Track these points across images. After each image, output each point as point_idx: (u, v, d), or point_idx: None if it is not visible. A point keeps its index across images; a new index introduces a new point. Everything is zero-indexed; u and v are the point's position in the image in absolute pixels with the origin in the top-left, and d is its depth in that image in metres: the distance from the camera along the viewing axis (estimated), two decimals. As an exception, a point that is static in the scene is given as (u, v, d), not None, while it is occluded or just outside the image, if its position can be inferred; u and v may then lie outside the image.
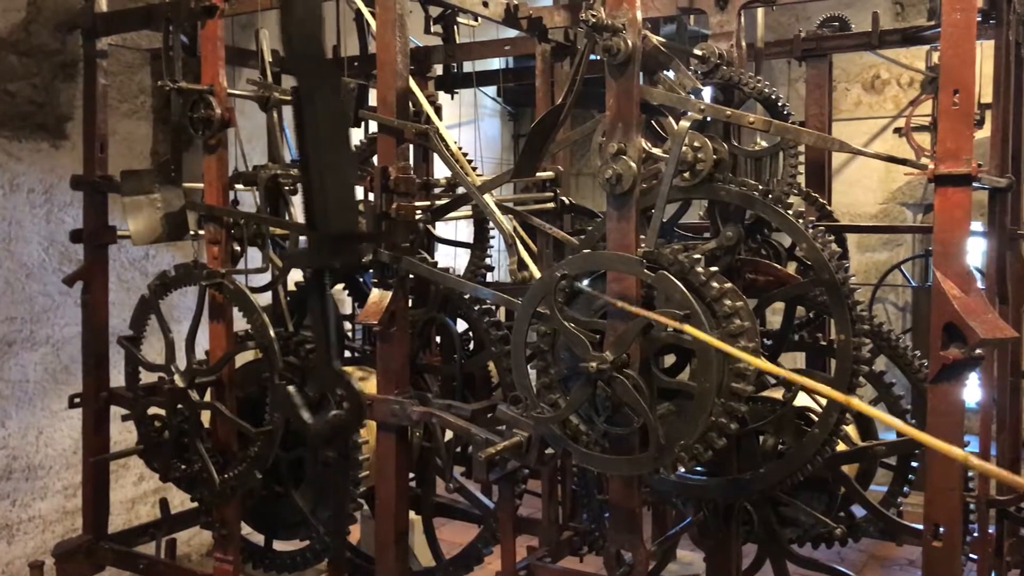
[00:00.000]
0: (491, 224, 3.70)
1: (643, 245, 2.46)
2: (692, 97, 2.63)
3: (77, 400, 3.80)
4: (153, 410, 3.38)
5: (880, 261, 7.70)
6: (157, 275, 3.38)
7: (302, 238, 2.84)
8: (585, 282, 2.65)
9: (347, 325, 3.94)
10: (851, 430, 3.15)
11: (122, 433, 4.15)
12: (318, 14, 1.39)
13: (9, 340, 4.43)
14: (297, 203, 3.33)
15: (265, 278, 3.28)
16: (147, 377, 3.44)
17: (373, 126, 3.42)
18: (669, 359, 2.70)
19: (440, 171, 3.82)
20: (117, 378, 3.78)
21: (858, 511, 3.24)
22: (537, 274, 2.86)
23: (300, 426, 1.67)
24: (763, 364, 1.84)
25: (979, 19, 3.06)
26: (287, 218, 3.27)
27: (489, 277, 4.15)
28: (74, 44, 4.41)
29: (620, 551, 2.59)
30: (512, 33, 4.09)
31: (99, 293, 3.77)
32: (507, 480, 3.34)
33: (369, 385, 3.36)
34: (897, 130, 7.34)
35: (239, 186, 3.41)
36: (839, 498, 3.17)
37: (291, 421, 1.61)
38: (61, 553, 3.75)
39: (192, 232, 3.42)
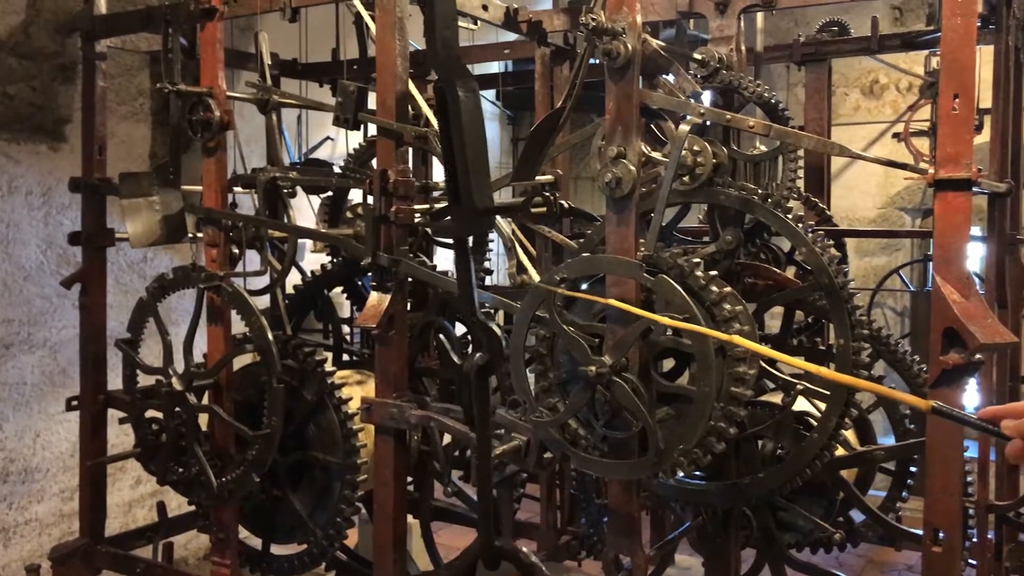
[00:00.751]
0: (490, 228, 3.70)
1: (642, 249, 2.46)
2: (691, 101, 2.63)
3: (74, 403, 3.79)
4: (151, 413, 3.38)
5: (879, 266, 7.70)
6: (155, 278, 3.38)
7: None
8: (584, 286, 2.65)
9: (345, 329, 3.93)
10: (850, 435, 3.15)
11: (119, 436, 4.14)
12: (455, 18, 1.80)
13: (7, 342, 4.42)
14: (295, 205, 3.33)
15: (263, 281, 3.28)
16: (145, 380, 3.44)
17: (372, 129, 3.43)
18: (668, 363, 2.70)
19: (439, 174, 3.82)
20: (115, 381, 3.77)
21: (857, 516, 3.24)
22: (536, 277, 2.86)
23: (453, 369, 1.88)
24: (759, 348, 1.83)
25: (979, 24, 3.06)
26: (286, 221, 3.26)
27: (488, 280, 4.15)
28: (73, 46, 4.41)
29: (618, 555, 2.59)
30: (511, 37, 4.09)
31: (97, 296, 3.77)
32: (505, 484, 3.34)
33: (367, 389, 3.35)
34: (896, 135, 7.35)
35: (238, 189, 3.40)
36: (838, 503, 3.17)
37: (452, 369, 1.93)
38: (58, 556, 3.74)
39: (190, 235, 3.42)
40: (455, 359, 1.90)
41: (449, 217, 1.76)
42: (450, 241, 4.03)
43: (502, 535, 1.90)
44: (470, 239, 1.84)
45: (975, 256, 5.59)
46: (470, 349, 3.41)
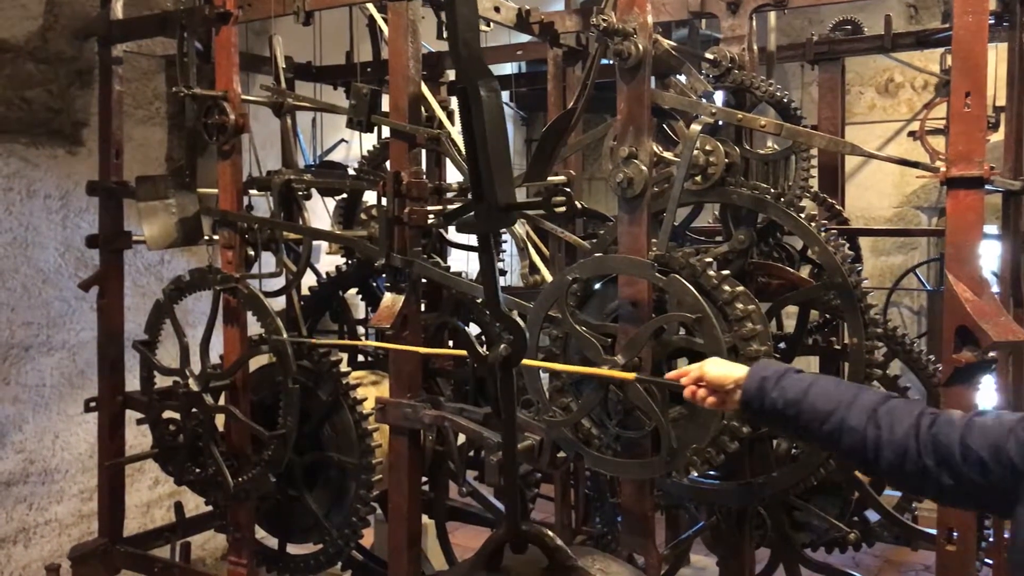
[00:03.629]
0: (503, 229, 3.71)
1: (655, 248, 2.46)
2: (703, 101, 2.63)
3: (93, 404, 3.82)
4: (168, 414, 3.40)
5: (895, 265, 7.67)
6: (172, 280, 3.40)
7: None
8: (598, 285, 2.66)
9: (360, 330, 3.95)
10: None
11: (137, 437, 4.17)
12: (476, 21, 1.84)
13: (26, 345, 4.47)
14: (310, 207, 3.35)
15: (279, 282, 3.30)
16: (162, 381, 3.47)
17: (386, 131, 3.44)
18: (681, 363, 2.71)
19: (452, 176, 3.83)
20: (132, 382, 3.81)
21: (872, 516, 3.23)
22: (549, 278, 2.87)
23: (477, 359, 1.91)
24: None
25: (992, 21, 3.05)
26: (300, 223, 3.28)
27: (501, 281, 4.16)
28: (90, 51, 4.45)
29: (632, 555, 2.60)
30: (524, 38, 4.10)
31: (115, 298, 3.80)
32: (520, 484, 3.35)
33: (382, 389, 3.37)
34: (911, 133, 7.32)
35: (253, 191, 3.43)
36: (853, 503, 3.16)
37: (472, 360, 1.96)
38: (77, 556, 3.78)
39: (207, 237, 3.44)
40: (478, 351, 1.92)
41: (473, 214, 1.80)
42: (464, 242, 4.06)
43: (527, 520, 1.94)
44: (493, 235, 1.87)
45: (990, 255, 5.57)
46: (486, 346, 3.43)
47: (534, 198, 2.23)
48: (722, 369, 2.03)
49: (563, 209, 1.87)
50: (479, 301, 3.27)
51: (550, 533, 1.87)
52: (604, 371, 2.41)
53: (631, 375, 2.36)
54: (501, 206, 1.76)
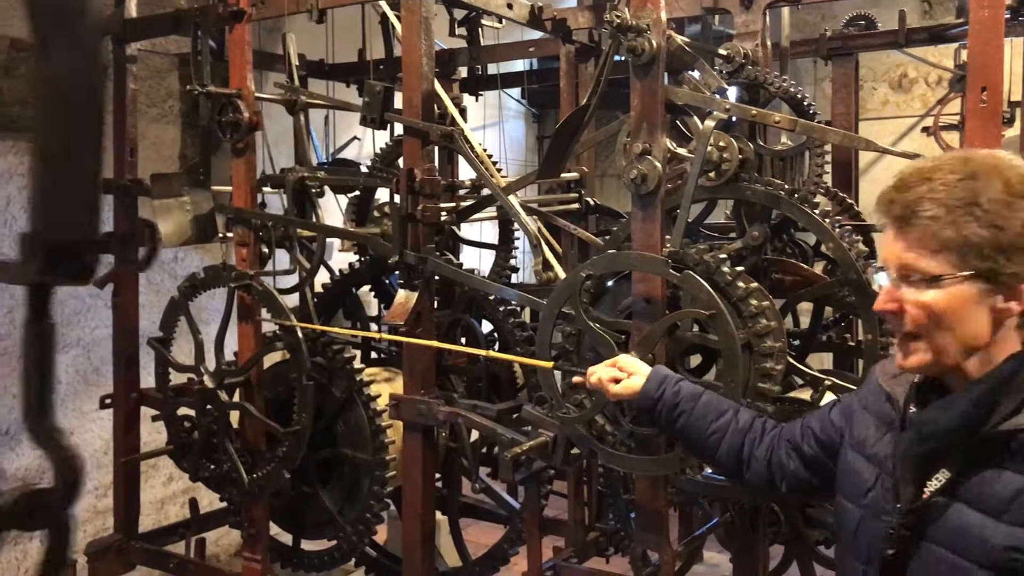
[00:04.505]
0: (516, 225, 3.71)
1: (668, 245, 2.46)
2: (717, 97, 2.62)
3: (108, 401, 3.84)
4: (183, 410, 3.42)
5: (909, 261, 7.62)
6: (186, 277, 3.42)
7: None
8: (611, 282, 2.66)
9: (373, 327, 3.96)
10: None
11: (152, 434, 4.20)
12: None
13: (41, 342, 4.49)
14: (323, 205, 3.36)
15: (293, 279, 3.31)
16: (177, 378, 3.48)
17: (399, 128, 3.45)
18: (695, 359, 2.70)
19: (465, 173, 3.84)
20: (147, 379, 3.83)
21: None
22: (562, 275, 2.86)
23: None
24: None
25: (1008, 16, 3.03)
26: (314, 220, 3.29)
27: (514, 278, 4.16)
28: (104, 49, 4.47)
29: (646, 551, 2.60)
30: (536, 35, 4.10)
31: (129, 295, 3.82)
32: (533, 481, 3.35)
33: (395, 386, 3.38)
34: (925, 129, 7.28)
35: (266, 189, 3.44)
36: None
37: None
38: (93, 552, 3.80)
39: (221, 234, 3.46)
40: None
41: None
42: (476, 239, 4.07)
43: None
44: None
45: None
46: (496, 346, 3.44)
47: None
48: (633, 361, 2.24)
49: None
50: (490, 297, 3.28)
51: None
52: (523, 359, 2.53)
53: (548, 363, 2.51)
54: (49, 245, 1.15)
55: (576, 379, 2.36)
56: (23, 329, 1.21)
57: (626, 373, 2.20)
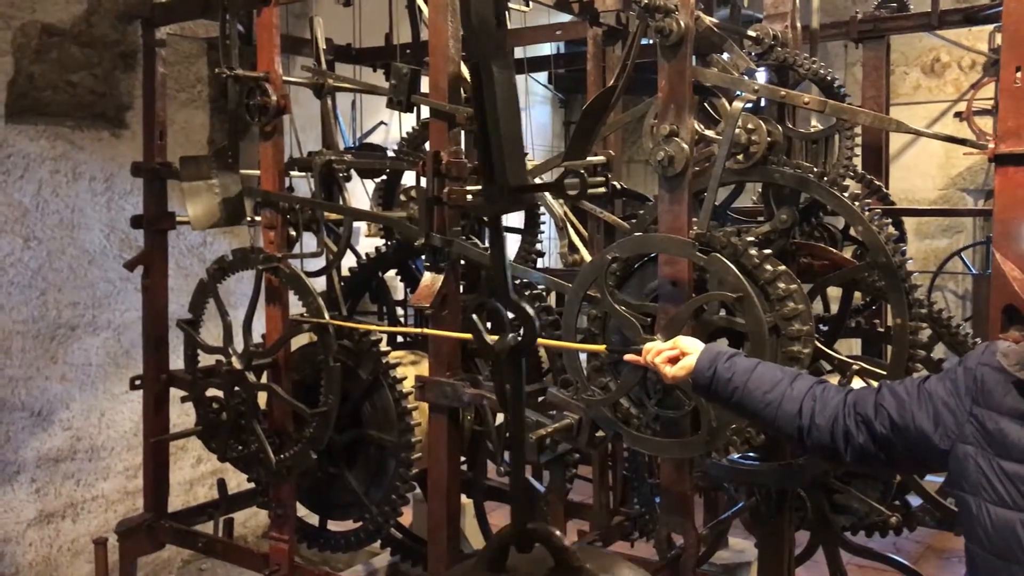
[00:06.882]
0: (542, 209, 3.70)
1: (695, 228, 2.45)
2: (745, 78, 2.60)
3: (138, 383, 3.89)
4: (211, 392, 3.46)
5: (939, 248, 7.55)
6: (215, 260, 3.45)
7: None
8: (637, 265, 2.65)
9: (399, 310, 3.98)
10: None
11: (180, 416, 4.25)
12: None
13: (72, 325, 4.55)
14: (350, 189, 3.37)
15: (320, 263, 3.33)
16: (205, 360, 3.52)
17: (425, 111, 3.45)
18: (721, 343, 2.69)
19: (491, 156, 3.83)
20: (176, 361, 3.87)
21: (914, 500, 3.19)
22: (588, 257, 2.86)
23: (484, 348, 1.83)
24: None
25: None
26: (341, 203, 3.31)
27: (540, 262, 4.16)
28: (134, 34, 4.51)
29: (671, 534, 2.59)
30: (564, 18, 4.08)
31: (159, 278, 3.86)
32: (558, 464, 3.35)
33: (421, 369, 3.39)
34: (958, 114, 7.18)
35: (294, 172, 3.45)
36: (894, 486, 3.12)
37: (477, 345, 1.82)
38: (124, 531, 3.86)
39: (249, 218, 3.48)
40: (485, 340, 1.81)
41: (481, 196, 1.76)
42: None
43: (536, 518, 1.88)
44: (503, 218, 1.82)
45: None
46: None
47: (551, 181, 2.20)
48: (692, 341, 2.22)
49: (575, 193, 1.85)
50: (516, 281, 3.28)
51: (557, 532, 1.84)
52: (578, 345, 2.52)
53: (601, 347, 2.52)
54: (511, 188, 1.70)
55: (630, 357, 2.34)
56: (490, 243, 1.85)
57: (682, 353, 2.18)
